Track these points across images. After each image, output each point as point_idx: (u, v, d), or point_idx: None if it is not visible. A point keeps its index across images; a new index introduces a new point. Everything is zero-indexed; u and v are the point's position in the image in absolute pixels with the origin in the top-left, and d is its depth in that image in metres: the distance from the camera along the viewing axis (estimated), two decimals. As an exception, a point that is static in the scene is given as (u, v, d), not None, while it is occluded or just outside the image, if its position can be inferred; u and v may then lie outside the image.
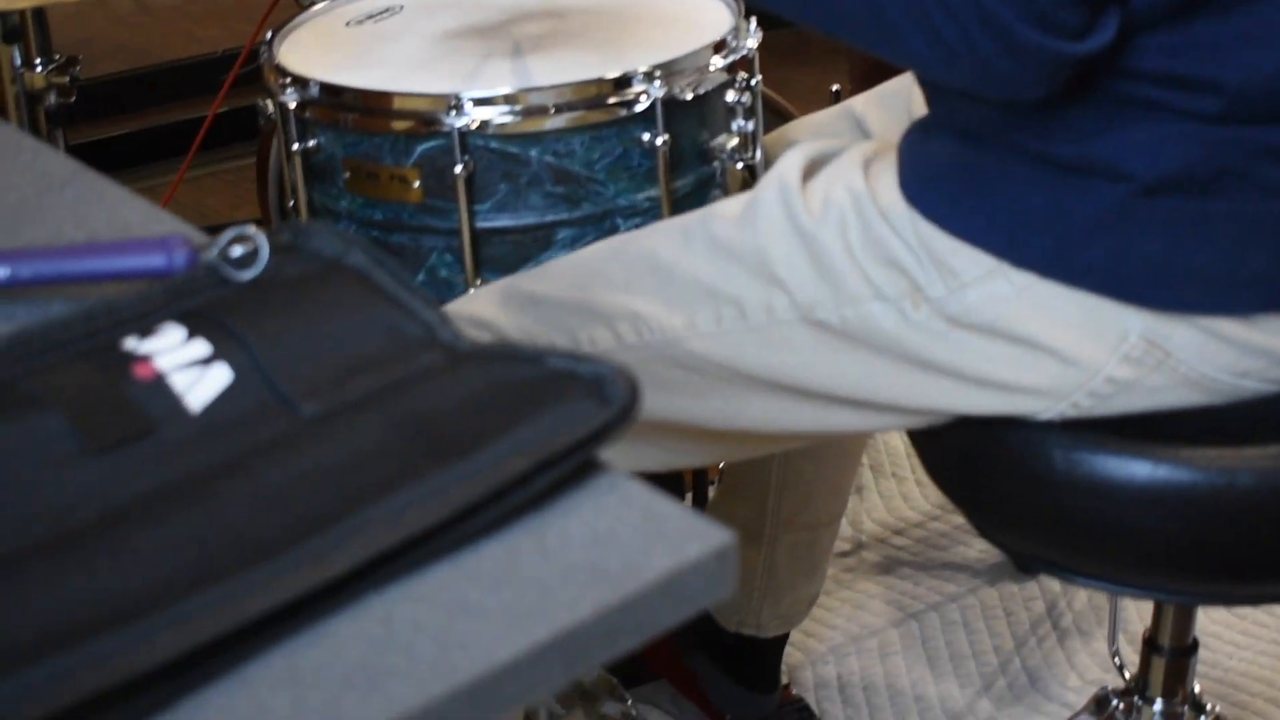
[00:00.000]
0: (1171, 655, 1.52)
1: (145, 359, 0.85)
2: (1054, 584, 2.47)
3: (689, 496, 2.39)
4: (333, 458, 0.80)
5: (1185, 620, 1.50)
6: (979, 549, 2.56)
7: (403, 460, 0.79)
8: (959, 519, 2.54)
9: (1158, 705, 1.54)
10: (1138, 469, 1.15)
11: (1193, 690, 1.55)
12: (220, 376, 0.85)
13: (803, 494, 2.01)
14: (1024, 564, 2.50)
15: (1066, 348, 1.16)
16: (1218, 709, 1.56)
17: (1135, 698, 1.55)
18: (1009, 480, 1.21)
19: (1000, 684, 2.29)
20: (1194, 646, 1.53)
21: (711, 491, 2.26)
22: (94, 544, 0.74)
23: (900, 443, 2.80)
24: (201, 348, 0.86)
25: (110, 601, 0.71)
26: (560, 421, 0.81)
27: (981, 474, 1.23)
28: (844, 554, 2.57)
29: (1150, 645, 1.52)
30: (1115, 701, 1.56)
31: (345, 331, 0.89)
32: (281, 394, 0.84)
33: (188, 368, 0.85)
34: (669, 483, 2.37)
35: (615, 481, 0.81)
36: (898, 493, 2.70)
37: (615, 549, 0.77)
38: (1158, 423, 1.18)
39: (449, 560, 0.76)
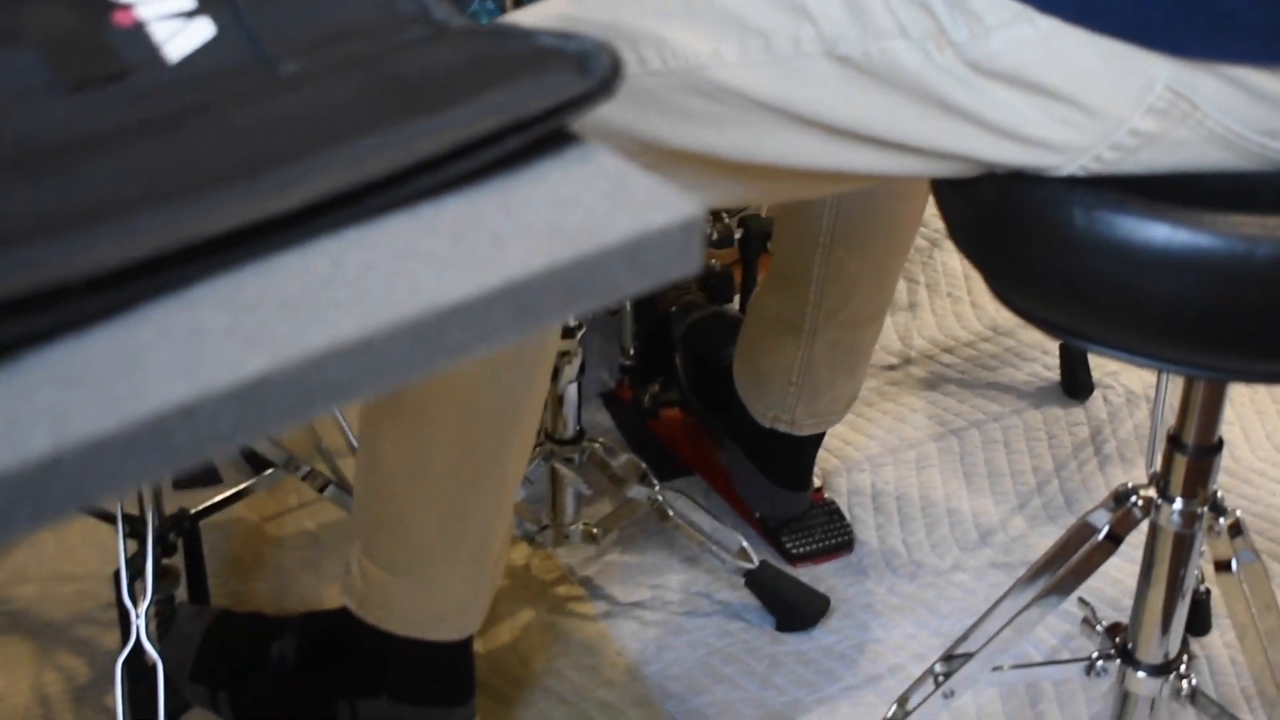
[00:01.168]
0: (1195, 453, 1.49)
1: (126, 7, 0.84)
2: (1100, 410, 2.45)
3: (737, 299, 2.38)
4: (303, 107, 0.78)
5: (1210, 417, 1.47)
6: (1027, 372, 2.53)
7: (373, 112, 0.78)
8: (1011, 341, 2.52)
9: (1177, 504, 1.52)
10: (1156, 231, 1.12)
11: (1214, 492, 1.52)
12: (202, 30, 0.84)
13: (845, 288, 1.99)
14: (1071, 386, 2.48)
15: (1090, 98, 1.12)
16: (1238, 513, 1.54)
17: (1155, 495, 1.53)
18: (1027, 238, 1.18)
19: (1035, 503, 2.28)
20: (1218, 446, 1.50)
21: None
22: (48, 165, 0.73)
23: (958, 263, 2.77)
24: (186, 1, 0.85)
25: (55, 214, 0.70)
26: (538, 88, 0.79)
27: (1000, 230, 1.20)
28: (890, 367, 2.55)
29: (1174, 443, 1.50)
30: (1134, 498, 1.54)
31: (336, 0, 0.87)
32: (263, 53, 0.83)
33: (169, 19, 0.84)
34: (719, 289, 2.36)
35: (590, 152, 0.79)
36: (951, 312, 2.68)
37: (579, 212, 0.75)
38: (1183, 186, 1.15)
39: (409, 211, 0.75)
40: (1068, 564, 1.56)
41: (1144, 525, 1.56)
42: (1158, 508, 1.53)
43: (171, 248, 0.69)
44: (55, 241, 0.68)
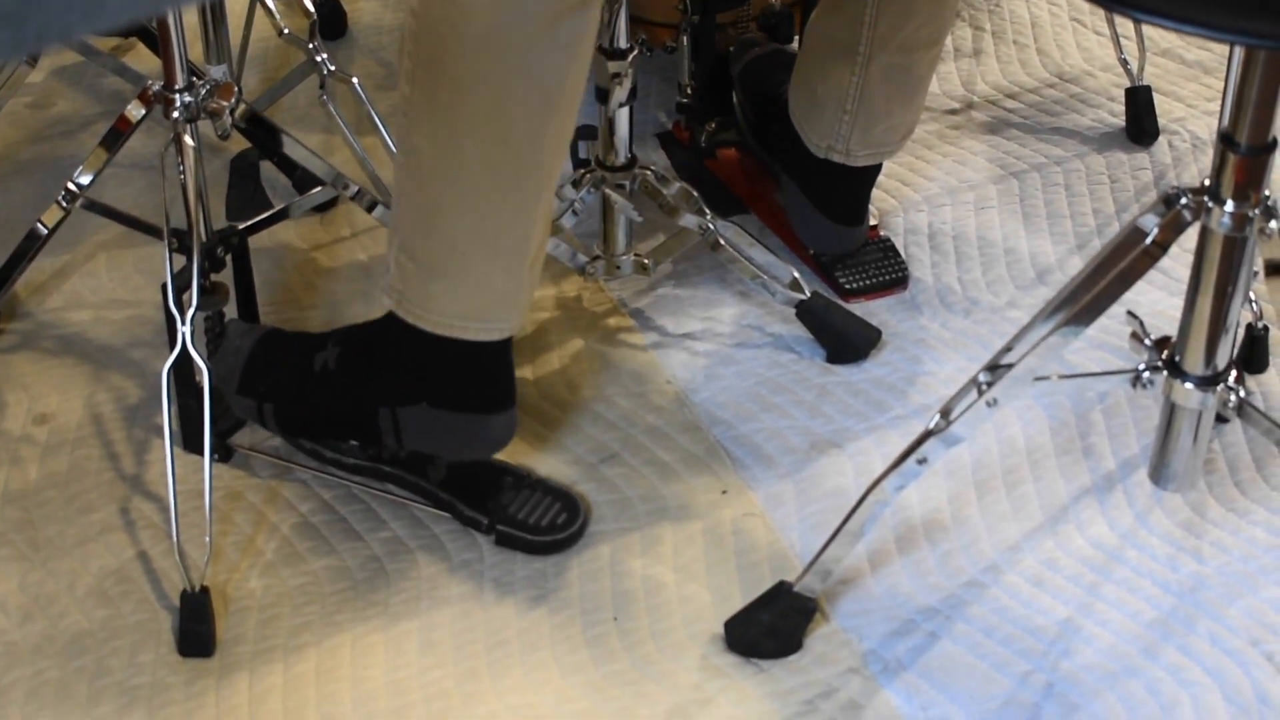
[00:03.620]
0: (1248, 152, 1.46)
1: None
2: (1165, 156, 2.41)
3: (797, 39, 2.34)
4: None
5: (1265, 112, 1.43)
6: (1092, 118, 2.49)
7: None
8: (1076, 88, 2.48)
9: (1228, 206, 1.49)
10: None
11: (1265, 195, 1.49)
12: None
13: (900, 10, 1.95)
14: (1136, 132, 2.44)
15: None
16: (1291, 216, 1.51)
17: (1205, 197, 1.50)
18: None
19: (1094, 245, 2.25)
20: (1272, 146, 1.47)
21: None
22: None
23: (1025, 12, 2.72)
24: None
25: None
26: None
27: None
28: (952, 111, 2.52)
29: (1226, 141, 1.47)
30: (1183, 199, 1.51)
31: None
32: None
33: None
34: (779, 28, 2.33)
35: None
36: (1016, 59, 2.63)
37: None
38: None
39: None
40: (1115, 270, 1.54)
41: (1194, 232, 1.53)
42: (1208, 210, 1.50)
43: None
44: None
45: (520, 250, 1.69)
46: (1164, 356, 1.63)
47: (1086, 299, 1.56)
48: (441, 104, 1.61)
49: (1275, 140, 1.47)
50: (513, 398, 1.77)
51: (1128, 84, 2.46)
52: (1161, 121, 2.45)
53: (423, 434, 1.77)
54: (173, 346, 1.78)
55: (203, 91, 1.81)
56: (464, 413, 1.75)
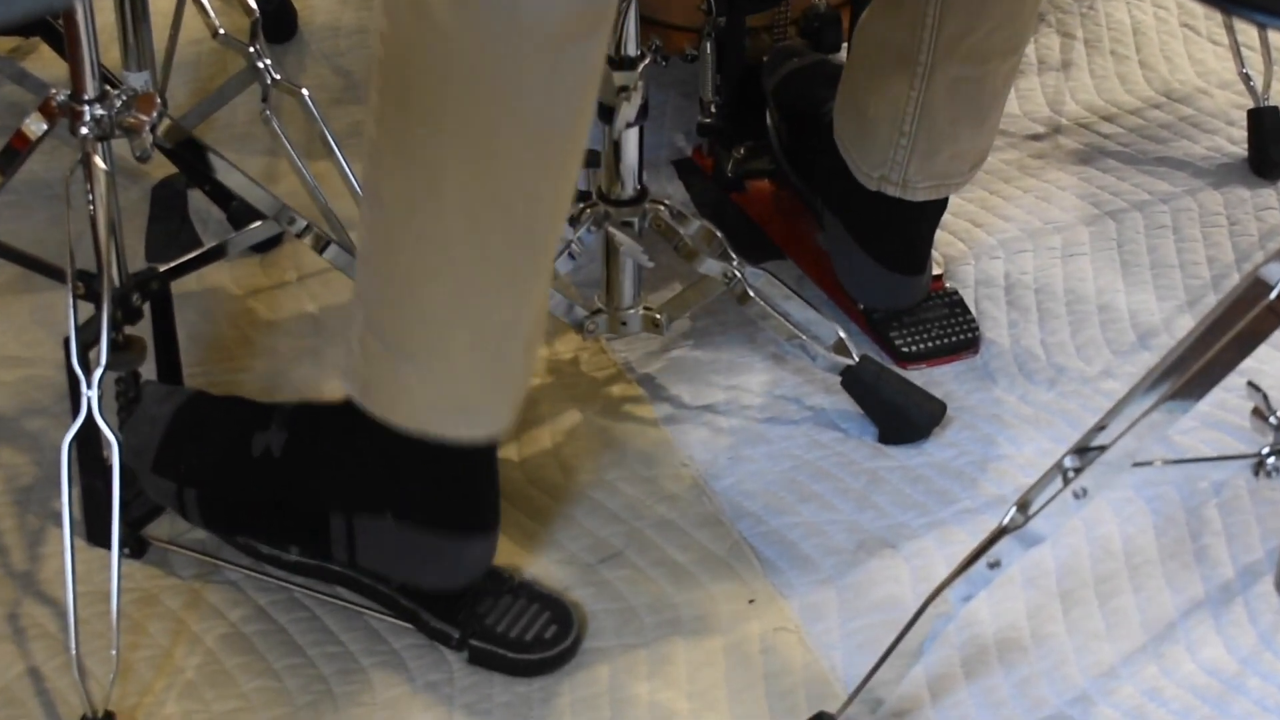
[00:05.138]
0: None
1: None
2: (1295, 192, 2.42)
3: (845, 47, 2.35)
4: None
5: None
6: (1206, 145, 2.50)
7: None
8: (1187, 110, 2.49)
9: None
10: None
11: None
12: None
13: (972, 8, 1.96)
14: (1260, 163, 2.44)
15: None
16: None
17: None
18: None
19: (1209, 300, 2.25)
20: None
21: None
22: None
23: (1126, 16, 2.73)
24: None
25: None
26: None
27: None
28: (1035, 137, 2.52)
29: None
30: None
31: None
32: None
33: None
34: (824, 34, 2.34)
35: None
36: (1114, 73, 2.64)
37: None
38: None
39: None
40: (1231, 332, 1.54)
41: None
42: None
43: None
44: None
45: (511, 328, 1.69)
46: (1294, 439, 1.63)
47: (1198, 367, 1.56)
48: (416, 149, 1.61)
49: None
50: (496, 517, 1.78)
51: (1251, 104, 2.46)
52: (1292, 150, 2.45)
53: (381, 552, 1.77)
54: (76, 414, 1.77)
55: (118, 103, 1.82)
56: (435, 531, 1.75)
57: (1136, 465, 1.60)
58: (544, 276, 1.72)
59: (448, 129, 1.59)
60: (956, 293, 2.23)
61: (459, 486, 1.76)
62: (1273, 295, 1.52)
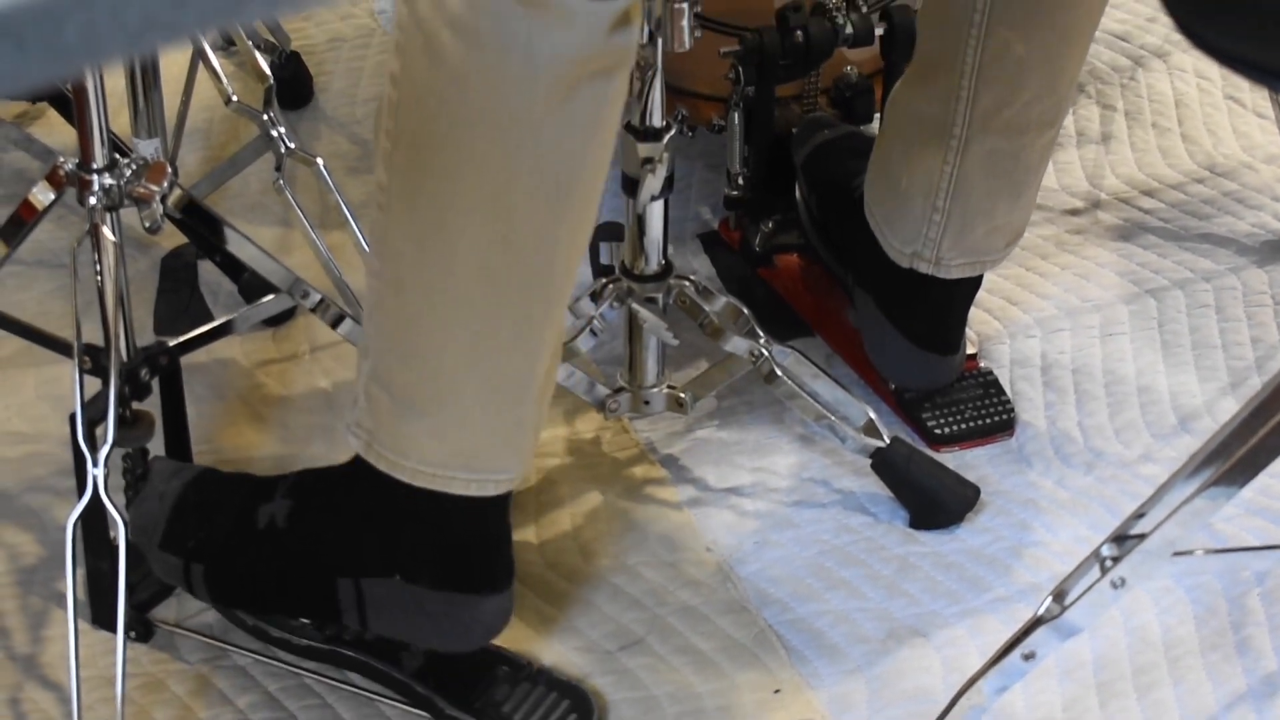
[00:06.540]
0: None
1: None
2: (1344, 271, 2.43)
3: (878, 117, 2.36)
4: None
5: None
6: (1251, 222, 2.50)
7: None
8: (1231, 185, 2.50)
9: None
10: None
11: None
12: None
13: (1008, 81, 1.97)
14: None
15: None
16: None
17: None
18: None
19: (1253, 383, 2.26)
20: None
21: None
22: None
23: (1168, 88, 2.74)
24: None
25: None
26: None
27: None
28: (1073, 212, 2.53)
29: None
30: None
31: None
32: None
33: None
34: (856, 104, 2.35)
35: None
36: (1156, 146, 2.65)
37: None
38: None
39: None
40: (1275, 418, 1.55)
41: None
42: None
43: None
44: None
45: (524, 381, 1.70)
46: (1340, 528, 1.63)
47: (1241, 452, 1.57)
48: (428, 195, 1.63)
49: None
50: (510, 574, 1.78)
51: (1296, 180, 2.47)
52: (1339, 228, 2.46)
53: (393, 615, 1.77)
54: (81, 492, 1.78)
55: (128, 173, 1.83)
56: (447, 591, 1.75)
57: (1177, 555, 1.60)
58: (558, 325, 1.72)
59: (460, 173, 1.60)
60: (991, 373, 2.24)
61: (469, 544, 1.76)
62: (1319, 380, 1.53)
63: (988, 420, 2.19)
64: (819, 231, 2.28)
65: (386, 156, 1.64)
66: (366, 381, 1.73)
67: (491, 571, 1.77)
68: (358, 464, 1.75)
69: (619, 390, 2.11)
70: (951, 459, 2.13)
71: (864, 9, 2.29)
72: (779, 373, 2.07)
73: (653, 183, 2.00)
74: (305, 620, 1.85)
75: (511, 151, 1.59)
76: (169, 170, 1.87)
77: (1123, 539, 1.60)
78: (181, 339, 1.98)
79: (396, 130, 1.62)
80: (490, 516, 1.75)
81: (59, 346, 1.98)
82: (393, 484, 1.72)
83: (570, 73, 1.55)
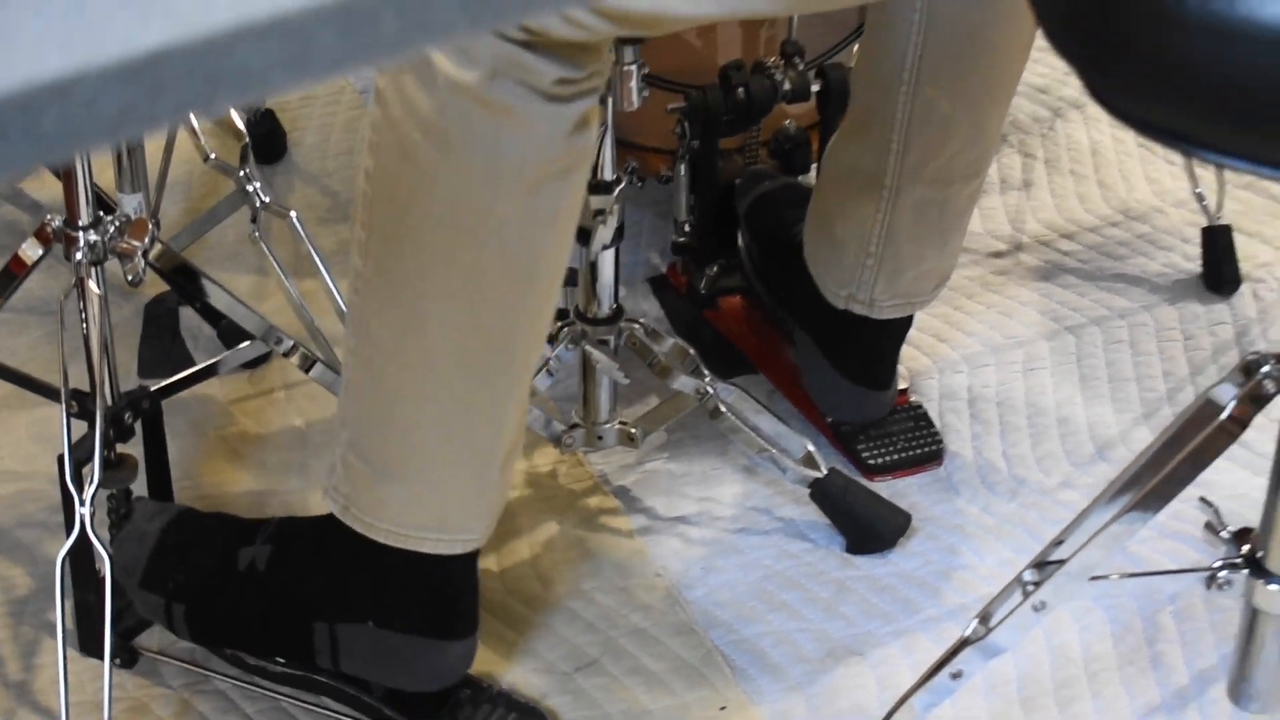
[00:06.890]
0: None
1: None
2: (1248, 308, 2.44)
3: (815, 168, 2.38)
4: None
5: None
6: (1162, 262, 2.52)
7: None
8: (1144, 227, 2.51)
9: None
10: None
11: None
12: None
13: (935, 135, 1.99)
14: (1214, 280, 2.46)
15: None
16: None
17: (1290, 367, 1.52)
18: (1132, 17, 1.17)
19: (1165, 413, 2.27)
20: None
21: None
22: None
23: (1085, 137, 2.76)
24: None
25: None
26: None
27: (1099, 8, 1.20)
28: (997, 254, 2.55)
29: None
30: (1266, 367, 1.53)
31: None
32: None
33: None
34: (794, 156, 2.36)
35: None
36: (1073, 192, 2.67)
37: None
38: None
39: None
40: (1186, 449, 1.56)
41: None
42: (1293, 380, 1.52)
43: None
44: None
45: (490, 449, 1.72)
46: (1244, 551, 1.65)
47: (1154, 481, 1.58)
48: (400, 282, 1.65)
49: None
50: (474, 622, 1.80)
51: (1204, 222, 2.49)
52: (1244, 267, 2.48)
53: (364, 658, 1.78)
54: (70, 529, 1.79)
55: (111, 229, 1.84)
56: (415, 636, 1.77)
57: (1094, 579, 1.62)
58: (523, 397, 1.74)
59: (431, 263, 1.63)
60: (921, 406, 2.25)
61: (438, 595, 1.78)
62: (1224, 415, 1.55)
63: (918, 451, 2.20)
64: (761, 276, 2.29)
65: (362, 245, 1.66)
66: (344, 450, 1.74)
67: (458, 619, 1.79)
68: (335, 518, 1.76)
69: (574, 426, 2.12)
70: (885, 488, 2.15)
71: (801, 67, 2.30)
72: (723, 409, 2.08)
73: (604, 233, 2.01)
74: (281, 660, 1.85)
75: (479, 245, 1.61)
76: (150, 226, 1.88)
77: (1043, 565, 1.62)
78: (163, 384, 1.98)
79: (370, 222, 1.65)
80: (458, 570, 1.78)
81: (48, 391, 1.98)
82: (368, 541, 1.74)
83: (533, 173, 1.58)
